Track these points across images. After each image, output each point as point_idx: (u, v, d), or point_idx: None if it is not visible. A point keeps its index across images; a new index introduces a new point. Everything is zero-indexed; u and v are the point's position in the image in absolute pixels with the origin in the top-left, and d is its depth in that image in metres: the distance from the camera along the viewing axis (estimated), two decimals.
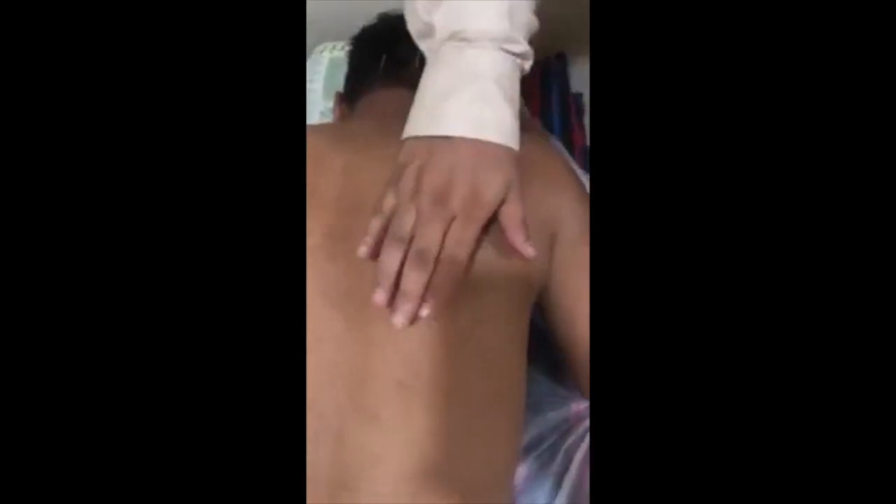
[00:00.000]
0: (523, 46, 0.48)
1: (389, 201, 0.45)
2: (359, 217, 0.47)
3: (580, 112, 0.93)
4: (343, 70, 0.74)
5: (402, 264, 0.43)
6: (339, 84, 0.74)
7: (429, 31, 0.49)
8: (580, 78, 0.94)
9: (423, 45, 0.52)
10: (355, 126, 0.63)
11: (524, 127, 0.48)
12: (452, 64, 0.47)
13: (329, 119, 0.83)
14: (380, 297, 0.42)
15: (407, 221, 0.44)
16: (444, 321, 0.45)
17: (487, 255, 0.47)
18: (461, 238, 0.44)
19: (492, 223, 0.47)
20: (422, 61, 0.51)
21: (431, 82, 0.48)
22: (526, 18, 0.48)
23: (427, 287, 0.42)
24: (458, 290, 0.44)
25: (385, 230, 0.44)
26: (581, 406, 0.61)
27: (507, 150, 0.46)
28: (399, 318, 0.41)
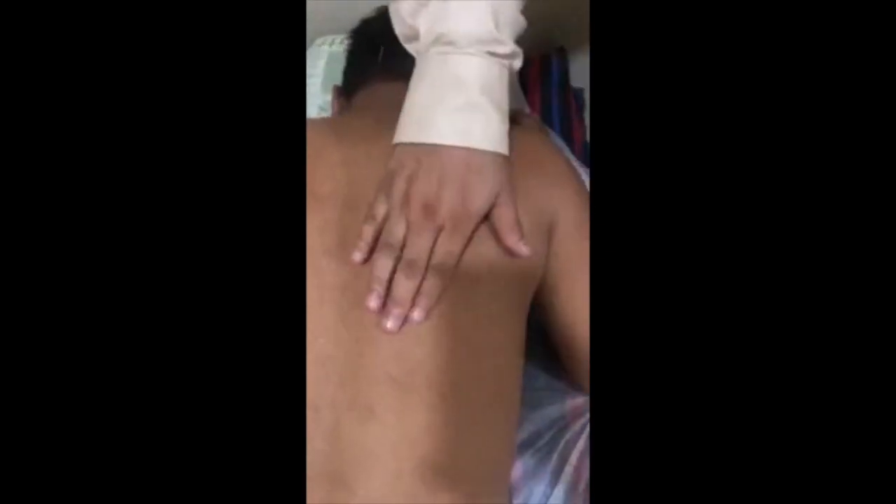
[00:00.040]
0: (510, 47, 0.48)
1: (381, 208, 0.47)
2: (355, 212, 0.47)
3: (580, 107, 0.93)
4: (342, 64, 0.74)
5: (394, 271, 0.45)
6: (338, 78, 0.74)
7: (414, 35, 0.49)
8: (580, 73, 0.93)
9: (409, 48, 0.52)
10: (353, 120, 0.63)
11: (523, 122, 0.48)
12: (437, 72, 0.48)
13: (327, 113, 0.83)
14: (374, 302, 0.45)
15: (398, 230, 0.46)
16: (439, 318, 0.45)
17: (484, 251, 0.47)
18: (449, 248, 0.46)
19: (488, 220, 0.48)
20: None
21: (418, 91, 0.49)
22: (511, 18, 0.48)
23: (417, 292, 0.45)
24: (450, 289, 0.46)
25: (377, 237, 0.47)
26: (578, 401, 0.62)
27: (496, 155, 0.47)
28: (390, 323, 0.44)
